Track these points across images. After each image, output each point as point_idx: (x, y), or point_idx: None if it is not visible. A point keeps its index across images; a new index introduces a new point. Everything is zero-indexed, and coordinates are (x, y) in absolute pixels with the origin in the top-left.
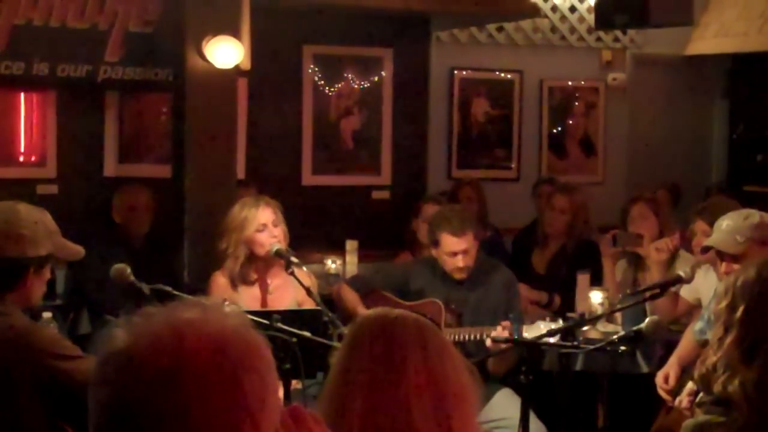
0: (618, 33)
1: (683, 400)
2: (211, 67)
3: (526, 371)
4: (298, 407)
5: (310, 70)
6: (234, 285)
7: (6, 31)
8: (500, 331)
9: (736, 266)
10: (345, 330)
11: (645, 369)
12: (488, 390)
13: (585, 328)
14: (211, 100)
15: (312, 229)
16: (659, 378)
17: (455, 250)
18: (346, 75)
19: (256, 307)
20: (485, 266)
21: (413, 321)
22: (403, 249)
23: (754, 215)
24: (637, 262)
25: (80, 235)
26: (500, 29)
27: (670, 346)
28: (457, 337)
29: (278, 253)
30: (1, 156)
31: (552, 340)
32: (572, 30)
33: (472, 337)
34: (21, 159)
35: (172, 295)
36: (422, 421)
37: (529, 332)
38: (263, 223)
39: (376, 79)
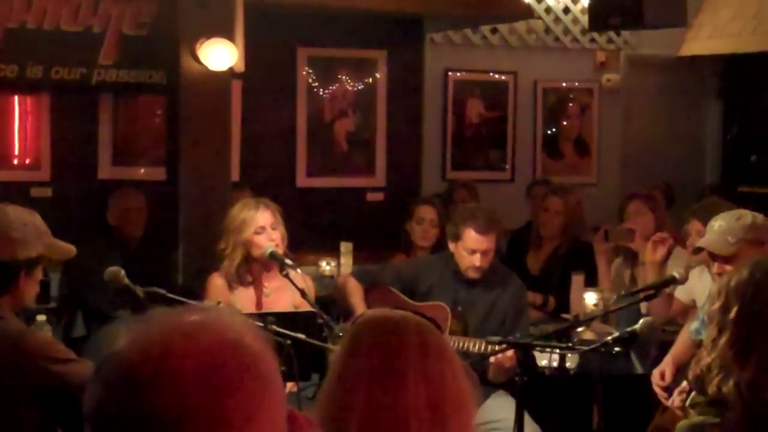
0: (612, 34)
1: (675, 399)
2: (205, 69)
3: (521, 373)
4: (292, 410)
5: (304, 72)
6: (230, 286)
7: (0, 34)
8: (501, 357)
9: (728, 267)
10: (339, 330)
11: (639, 370)
12: (483, 392)
13: (579, 329)
14: (205, 102)
15: (306, 231)
16: (655, 375)
17: (476, 248)
18: (340, 77)
19: (252, 308)
20: (498, 272)
21: (414, 327)
22: (398, 251)
23: (747, 216)
24: (633, 259)
25: (74, 237)
26: (494, 31)
27: (665, 347)
28: (461, 345)
29: (272, 256)
30: None
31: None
32: (566, 31)
33: (475, 348)
34: (15, 162)
35: (166, 298)
36: (420, 428)
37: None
38: (262, 226)
39: (370, 80)
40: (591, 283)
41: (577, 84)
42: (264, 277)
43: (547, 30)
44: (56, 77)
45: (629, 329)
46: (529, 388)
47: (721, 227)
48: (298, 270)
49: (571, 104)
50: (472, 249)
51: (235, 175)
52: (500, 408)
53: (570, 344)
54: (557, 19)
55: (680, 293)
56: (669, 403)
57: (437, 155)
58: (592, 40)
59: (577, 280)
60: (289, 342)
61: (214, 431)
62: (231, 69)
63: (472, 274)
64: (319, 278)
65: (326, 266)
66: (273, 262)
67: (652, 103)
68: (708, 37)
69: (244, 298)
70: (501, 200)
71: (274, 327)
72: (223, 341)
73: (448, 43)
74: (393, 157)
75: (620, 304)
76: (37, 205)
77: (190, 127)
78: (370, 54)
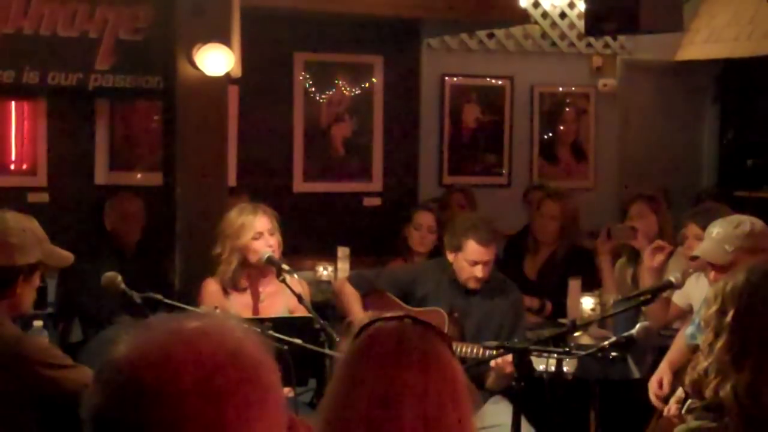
0: (608, 39)
1: (671, 407)
2: (202, 74)
3: (518, 378)
4: (293, 417)
5: (301, 78)
6: (225, 292)
7: None
8: (501, 361)
9: (724, 276)
10: (334, 333)
11: (637, 375)
12: (481, 397)
13: (577, 333)
14: (201, 107)
15: (303, 236)
16: (653, 384)
17: (478, 259)
18: (337, 82)
19: (248, 314)
20: (496, 282)
21: (418, 351)
22: (395, 256)
23: (745, 223)
24: (635, 258)
25: (71, 243)
26: (491, 36)
27: (662, 352)
28: (458, 351)
29: (270, 261)
30: None
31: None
32: (563, 36)
33: (471, 352)
34: (12, 167)
35: (163, 303)
36: None
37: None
38: (260, 231)
39: (367, 85)
40: (588, 287)
41: (573, 89)
42: (259, 283)
43: (544, 35)
44: (53, 82)
45: (626, 334)
46: (527, 393)
47: (719, 235)
48: (295, 275)
49: (567, 109)
50: (474, 260)
51: (232, 180)
52: (498, 413)
53: (567, 349)
54: (554, 24)
55: (677, 298)
56: (665, 411)
57: (434, 160)
58: (589, 44)
59: (574, 284)
60: (285, 347)
61: None
62: (228, 74)
63: (473, 285)
64: (316, 283)
65: (323, 271)
66: (269, 267)
67: (649, 108)
68: (704, 41)
69: (240, 304)
70: (498, 205)
71: (271, 332)
72: (223, 349)
73: (444, 48)
74: (390, 162)
75: (617, 309)
76: (34, 211)
77: (186, 133)
78: (367, 59)
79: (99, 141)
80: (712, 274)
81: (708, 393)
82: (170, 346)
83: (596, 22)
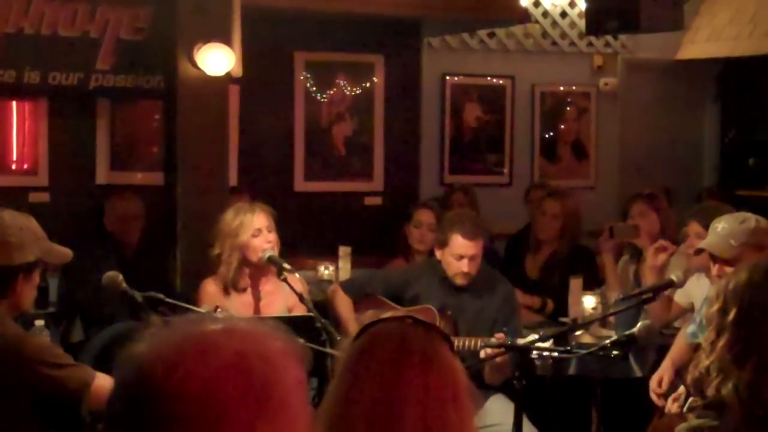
0: (609, 38)
1: (671, 405)
2: (203, 74)
3: (520, 376)
4: None
5: (301, 77)
6: (226, 292)
7: None
8: (491, 350)
9: (728, 269)
10: (335, 332)
11: (638, 373)
12: (481, 395)
13: (578, 332)
14: (202, 107)
15: (305, 235)
16: (653, 382)
17: (463, 253)
18: (337, 81)
19: (249, 313)
20: (486, 277)
21: (419, 352)
22: (396, 255)
23: (750, 219)
24: (638, 256)
25: (72, 242)
26: (491, 35)
27: (663, 351)
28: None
29: (271, 260)
30: None
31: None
32: (563, 35)
33: (466, 345)
34: (13, 167)
35: (164, 303)
36: None
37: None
38: (258, 228)
39: (367, 85)
40: (589, 286)
41: (574, 88)
42: (258, 282)
43: (545, 34)
44: (53, 82)
45: (628, 332)
46: (528, 392)
47: (725, 230)
48: (297, 274)
49: (568, 108)
50: (459, 255)
51: (233, 180)
52: (499, 411)
53: (568, 348)
54: (554, 23)
55: (679, 297)
56: (667, 408)
57: (435, 159)
58: (590, 44)
59: (576, 283)
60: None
61: None
62: (228, 74)
63: (460, 281)
64: (317, 282)
65: (325, 270)
66: (269, 266)
67: (650, 107)
68: (705, 40)
69: (240, 303)
70: (499, 204)
71: None
72: (236, 362)
73: (445, 47)
74: (391, 162)
75: (618, 308)
76: (35, 211)
77: (187, 132)
78: (368, 58)
79: (100, 141)
80: (716, 268)
81: (710, 391)
82: (184, 352)
83: (597, 21)
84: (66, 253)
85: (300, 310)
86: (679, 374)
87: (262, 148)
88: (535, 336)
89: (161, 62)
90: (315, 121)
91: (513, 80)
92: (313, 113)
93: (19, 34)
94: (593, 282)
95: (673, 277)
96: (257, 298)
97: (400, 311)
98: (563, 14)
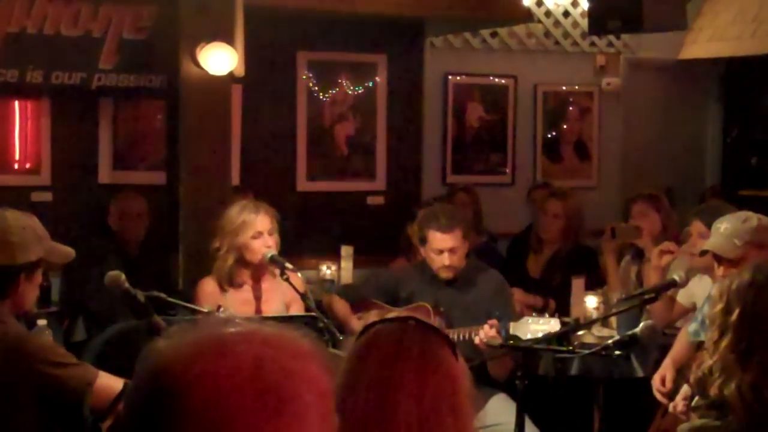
0: (612, 38)
1: (678, 404)
2: (205, 73)
3: (522, 376)
4: None
5: (304, 77)
6: (223, 289)
7: (0, 39)
8: (488, 330)
9: (734, 270)
10: (337, 332)
11: (640, 373)
12: (483, 395)
13: (580, 332)
14: (205, 106)
15: (307, 234)
16: (656, 381)
17: (442, 247)
18: (340, 81)
19: (248, 311)
20: (475, 269)
21: (417, 353)
22: (399, 254)
23: (752, 218)
24: (640, 257)
25: (75, 241)
26: (494, 34)
27: (665, 350)
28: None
29: (273, 259)
30: None
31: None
32: (566, 35)
33: (460, 337)
34: (15, 166)
35: (167, 302)
36: None
37: (516, 329)
38: (259, 231)
39: (370, 84)
40: (591, 286)
41: (577, 87)
42: (256, 280)
43: (547, 33)
44: (56, 82)
45: (630, 333)
46: (530, 392)
47: (728, 230)
48: (299, 274)
49: (571, 108)
50: (438, 249)
51: (235, 179)
52: (501, 411)
53: (571, 348)
54: (557, 23)
55: (681, 297)
56: (672, 408)
57: (437, 159)
58: (592, 43)
59: (578, 283)
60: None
61: None
62: (231, 73)
63: (445, 274)
64: (320, 282)
65: (327, 270)
66: (272, 265)
67: (652, 107)
68: (708, 40)
69: (238, 301)
70: (501, 204)
71: None
72: (252, 368)
73: (448, 47)
74: (393, 161)
75: (620, 308)
76: (38, 210)
77: (190, 131)
78: (370, 58)
79: (102, 140)
80: (721, 269)
81: (713, 391)
82: (199, 355)
83: (600, 20)
84: (68, 252)
85: (296, 308)
86: (680, 373)
87: (264, 147)
88: (529, 320)
89: (164, 62)
90: (317, 120)
91: (515, 80)
92: (316, 113)
93: (22, 33)
94: (595, 282)
95: (676, 277)
96: (256, 296)
97: (396, 312)
98: (566, 14)
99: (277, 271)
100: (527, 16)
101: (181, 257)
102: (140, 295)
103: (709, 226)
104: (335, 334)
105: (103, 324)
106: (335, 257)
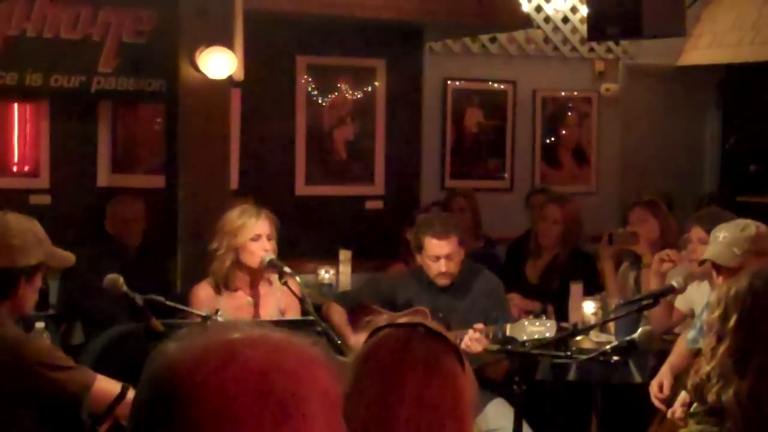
0: (611, 44)
1: (677, 410)
2: (205, 77)
3: (519, 381)
4: None
5: (303, 81)
6: (218, 292)
7: None
8: (472, 334)
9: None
10: (335, 337)
11: (638, 379)
12: (481, 400)
13: (578, 338)
14: (204, 110)
15: (305, 239)
16: (653, 387)
17: (438, 253)
18: (339, 85)
19: (245, 315)
20: (469, 273)
21: (420, 358)
22: (397, 259)
23: (750, 226)
24: (638, 263)
25: (73, 245)
26: (493, 40)
27: (663, 356)
28: None
29: (272, 263)
30: None
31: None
32: (565, 41)
33: (457, 341)
34: (14, 169)
35: (165, 306)
36: None
37: (513, 331)
38: (258, 234)
39: (369, 89)
40: (590, 291)
41: (575, 93)
42: (252, 284)
43: (546, 39)
44: (55, 85)
45: (628, 338)
46: (528, 397)
47: (726, 238)
48: (297, 278)
49: (569, 113)
50: (435, 256)
51: (234, 183)
52: (499, 416)
53: (569, 353)
54: (556, 29)
55: (679, 303)
56: (670, 414)
57: (436, 164)
58: (591, 49)
59: (576, 288)
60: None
61: None
62: (230, 77)
63: (442, 281)
64: (318, 286)
65: (325, 274)
66: (270, 269)
67: (651, 113)
68: (707, 46)
69: (234, 305)
70: (500, 209)
71: None
72: (258, 376)
73: (447, 52)
74: (392, 166)
75: (619, 313)
76: (36, 213)
77: (189, 135)
78: (370, 63)
79: (101, 143)
80: (720, 278)
81: (710, 397)
82: (205, 361)
83: (599, 26)
84: (68, 257)
85: (292, 315)
86: (677, 379)
87: (263, 151)
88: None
89: (163, 65)
90: (316, 125)
91: (514, 85)
92: (315, 117)
93: (21, 36)
94: (594, 287)
95: (674, 283)
96: (251, 302)
97: (395, 317)
98: (565, 20)
99: (275, 277)
100: (526, 21)
101: (180, 261)
102: (138, 299)
103: (708, 232)
104: (334, 339)
105: (101, 327)
106: (333, 261)
